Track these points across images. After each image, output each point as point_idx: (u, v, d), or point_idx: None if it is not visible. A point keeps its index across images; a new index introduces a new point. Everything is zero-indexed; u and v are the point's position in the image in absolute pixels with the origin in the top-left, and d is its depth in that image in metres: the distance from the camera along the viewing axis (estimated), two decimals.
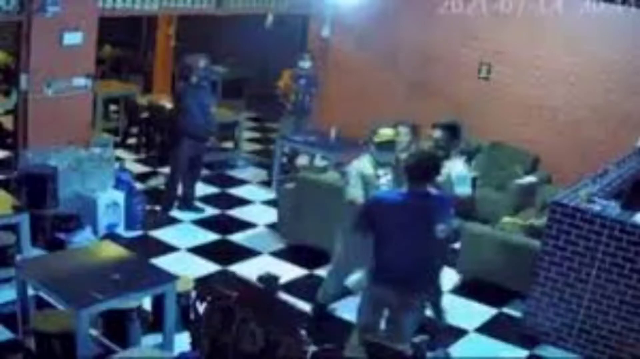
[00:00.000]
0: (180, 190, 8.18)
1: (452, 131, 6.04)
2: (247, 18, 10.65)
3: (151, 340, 5.38)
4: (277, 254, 7.43)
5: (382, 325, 5.05)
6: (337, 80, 10.71)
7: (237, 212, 8.44)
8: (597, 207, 5.89)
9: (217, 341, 4.39)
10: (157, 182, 8.97)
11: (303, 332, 4.16)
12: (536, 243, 6.29)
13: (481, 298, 6.74)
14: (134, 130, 10.48)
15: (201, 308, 4.51)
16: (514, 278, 6.58)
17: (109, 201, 7.34)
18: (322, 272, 6.78)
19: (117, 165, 8.04)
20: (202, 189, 8.74)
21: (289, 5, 10.23)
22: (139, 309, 5.39)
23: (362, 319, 5.12)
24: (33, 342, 5.01)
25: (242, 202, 8.80)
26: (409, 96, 10.13)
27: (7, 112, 9.43)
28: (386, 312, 4.99)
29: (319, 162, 9.72)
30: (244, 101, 12.50)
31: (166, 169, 8.55)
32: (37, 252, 6.32)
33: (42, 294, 5.32)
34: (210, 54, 8.21)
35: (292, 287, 6.56)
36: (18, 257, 5.97)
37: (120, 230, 7.44)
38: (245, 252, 7.38)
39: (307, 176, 7.64)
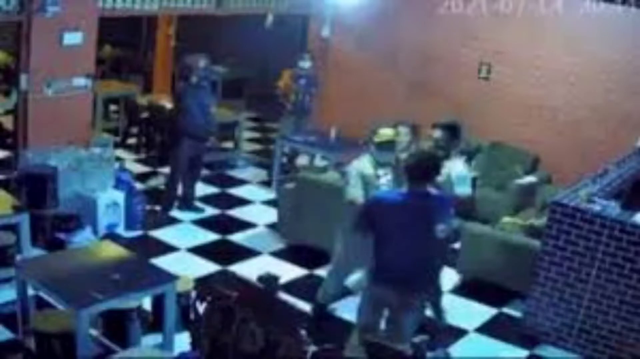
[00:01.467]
0: (180, 190, 8.19)
1: (452, 131, 6.04)
2: (247, 18, 10.65)
3: (151, 340, 5.37)
4: (277, 254, 7.43)
5: (382, 325, 5.05)
6: (337, 80, 10.70)
7: (237, 212, 8.44)
8: (597, 207, 5.89)
9: (217, 341, 4.39)
10: (157, 182, 8.97)
11: (303, 332, 4.16)
12: (536, 243, 6.29)
13: (481, 298, 6.74)
14: (134, 130, 10.48)
15: (201, 308, 4.51)
16: (514, 278, 6.58)
17: (109, 201, 7.34)
18: (322, 272, 6.78)
19: (117, 165, 8.04)
20: (202, 189, 8.74)
21: (289, 5, 10.23)
22: (139, 309, 5.38)
23: (362, 319, 5.12)
24: (33, 342, 5.01)
25: (242, 202, 8.80)
26: (409, 96, 10.13)
27: (7, 112, 9.43)
28: (386, 312, 4.99)
29: (319, 162, 9.72)
30: (244, 101, 12.50)
31: (166, 169, 8.55)
32: (37, 252, 6.31)
33: (42, 294, 5.32)
34: (210, 54, 8.21)
35: (292, 287, 6.55)
36: (18, 257, 5.97)
37: (120, 230, 7.44)
38: (245, 252, 7.37)
39: (307, 176, 7.64)
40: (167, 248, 7.26)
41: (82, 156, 7.44)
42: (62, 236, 6.86)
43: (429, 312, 5.62)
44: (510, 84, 9.52)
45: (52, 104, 7.46)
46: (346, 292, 6.34)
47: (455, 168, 5.83)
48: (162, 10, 8.79)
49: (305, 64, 9.40)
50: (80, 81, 7.74)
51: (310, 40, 11.03)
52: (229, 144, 10.47)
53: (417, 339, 5.22)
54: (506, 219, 7.25)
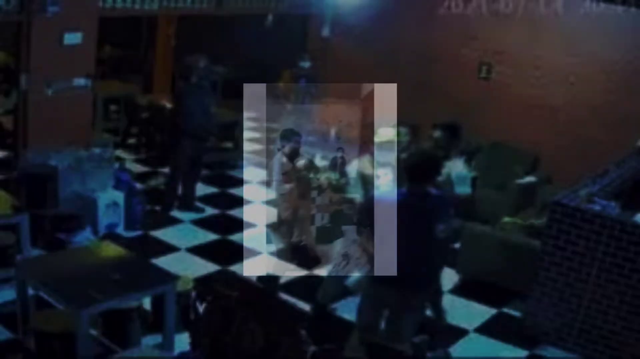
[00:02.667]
0: (180, 190, 8.18)
1: (452, 131, 6.06)
2: (247, 18, 10.64)
3: (151, 340, 5.37)
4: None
5: (382, 325, 5.05)
6: (337, 80, 10.69)
7: (237, 212, 8.43)
8: (597, 207, 5.88)
9: (217, 341, 4.39)
10: (157, 182, 8.97)
11: (303, 332, 4.16)
12: (536, 243, 6.29)
13: (481, 298, 6.74)
14: (134, 130, 10.48)
15: (201, 308, 4.51)
16: (514, 278, 6.58)
17: (109, 201, 7.34)
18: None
19: (117, 165, 8.04)
20: (202, 189, 8.74)
21: (289, 5, 10.23)
22: (139, 309, 5.39)
23: (362, 319, 5.12)
24: (33, 342, 5.00)
25: (242, 202, 8.80)
26: (409, 96, 10.12)
27: (7, 112, 9.43)
28: (386, 312, 5.00)
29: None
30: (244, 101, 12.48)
31: (166, 169, 8.55)
32: (37, 252, 6.32)
33: (42, 294, 5.32)
34: (210, 54, 8.21)
35: (292, 287, 6.56)
36: (18, 257, 5.97)
37: (120, 230, 7.44)
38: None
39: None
40: (167, 248, 7.26)
41: (82, 156, 7.44)
42: (62, 236, 6.87)
43: (429, 312, 5.63)
44: (510, 84, 9.52)
45: (52, 104, 7.46)
46: (346, 292, 6.34)
47: (455, 168, 5.84)
48: (162, 10, 8.80)
49: (305, 64, 9.41)
50: (80, 81, 7.74)
51: (310, 40, 11.03)
52: (229, 144, 10.46)
53: (417, 339, 5.22)
54: (506, 219, 7.25)
